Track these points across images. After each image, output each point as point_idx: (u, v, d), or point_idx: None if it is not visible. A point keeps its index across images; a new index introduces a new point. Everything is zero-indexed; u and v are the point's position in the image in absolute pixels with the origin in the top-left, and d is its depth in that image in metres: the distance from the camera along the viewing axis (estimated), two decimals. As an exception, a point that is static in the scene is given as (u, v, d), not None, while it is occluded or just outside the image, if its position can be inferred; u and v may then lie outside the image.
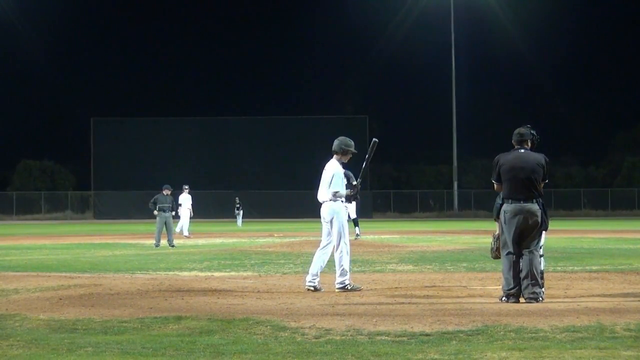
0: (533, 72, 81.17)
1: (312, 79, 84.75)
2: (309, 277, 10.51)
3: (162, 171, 59.24)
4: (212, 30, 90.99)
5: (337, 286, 10.39)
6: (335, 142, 10.72)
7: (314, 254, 10.69)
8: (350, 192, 10.61)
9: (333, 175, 10.48)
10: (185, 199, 28.43)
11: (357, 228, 21.35)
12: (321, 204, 10.65)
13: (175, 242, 22.79)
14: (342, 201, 10.54)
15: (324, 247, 10.62)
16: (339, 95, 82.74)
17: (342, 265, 10.41)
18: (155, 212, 22.39)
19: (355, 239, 20.81)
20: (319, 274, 10.49)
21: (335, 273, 10.54)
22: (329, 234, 10.57)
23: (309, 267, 10.64)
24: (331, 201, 10.48)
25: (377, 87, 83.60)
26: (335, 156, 10.67)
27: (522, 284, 9.03)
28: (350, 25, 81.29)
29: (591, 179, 72.07)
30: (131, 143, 67.43)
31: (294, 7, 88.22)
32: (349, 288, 10.34)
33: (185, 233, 27.68)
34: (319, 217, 10.66)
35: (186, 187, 29.20)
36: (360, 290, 10.33)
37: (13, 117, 79.08)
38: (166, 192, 22.81)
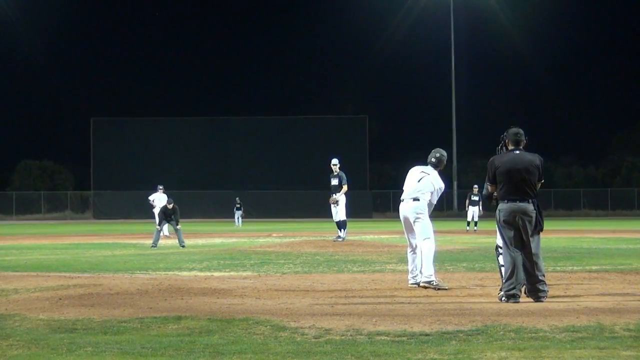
0: (533, 72, 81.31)
1: (312, 79, 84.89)
2: (422, 277, 10.56)
3: (162, 171, 59.21)
4: (213, 31, 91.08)
5: (423, 279, 10.45)
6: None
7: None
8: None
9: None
10: (160, 199, 28.38)
11: (343, 231, 20.74)
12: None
13: (160, 242, 22.65)
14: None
15: (424, 240, 10.79)
16: (339, 95, 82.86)
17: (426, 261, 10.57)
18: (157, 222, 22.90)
19: (335, 240, 20.39)
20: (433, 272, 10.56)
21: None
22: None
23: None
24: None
25: (377, 87, 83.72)
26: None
27: (528, 284, 9.07)
28: (350, 25, 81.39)
29: (591, 179, 72.08)
30: (131, 143, 67.44)
31: (295, 7, 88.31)
32: (434, 284, 10.35)
33: (166, 232, 27.56)
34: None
35: (160, 187, 29.25)
36: (445, 289, 10.26)
37: (13, 117, 79.16)
38: (170, 205, 22.91)
